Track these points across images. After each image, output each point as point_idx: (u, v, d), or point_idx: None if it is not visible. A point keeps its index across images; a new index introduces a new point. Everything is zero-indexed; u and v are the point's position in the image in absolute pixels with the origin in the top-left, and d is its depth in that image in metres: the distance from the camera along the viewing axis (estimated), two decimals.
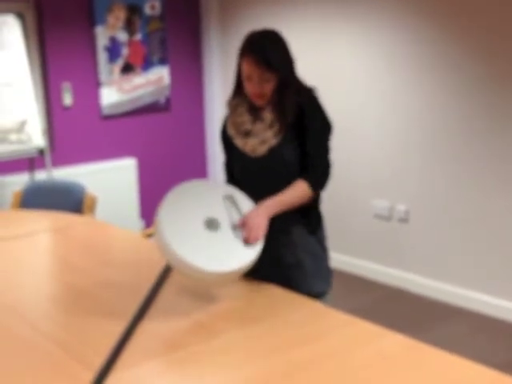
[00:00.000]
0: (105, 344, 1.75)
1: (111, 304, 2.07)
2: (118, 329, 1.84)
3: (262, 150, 2.15)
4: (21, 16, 4.54)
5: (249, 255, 1.96)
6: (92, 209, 3.64)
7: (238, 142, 2.20)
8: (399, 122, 4.18)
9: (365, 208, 4.48)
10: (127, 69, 5.10)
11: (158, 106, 5.31)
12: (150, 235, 3.27)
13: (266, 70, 2.06)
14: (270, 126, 2.13)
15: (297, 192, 2.10)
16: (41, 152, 4.39)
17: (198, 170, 5.66)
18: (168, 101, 5.35)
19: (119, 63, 5.05)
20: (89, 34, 4.88)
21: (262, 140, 2.13)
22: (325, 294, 2.23)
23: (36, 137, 4.33)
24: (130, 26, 5.06)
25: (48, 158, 4.42)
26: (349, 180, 4.54)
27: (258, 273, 2.13)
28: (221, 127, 2.31)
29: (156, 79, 5.27)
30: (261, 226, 2.00)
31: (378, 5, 4.18)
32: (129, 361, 1.67)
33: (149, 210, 5.19)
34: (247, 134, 2.17)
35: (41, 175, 4.51)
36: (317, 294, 2.18)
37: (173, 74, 5.37)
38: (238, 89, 2.20)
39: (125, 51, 5.07)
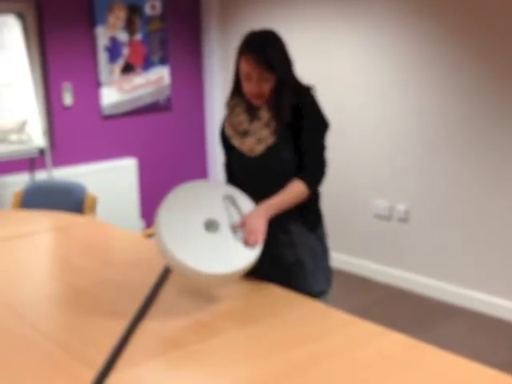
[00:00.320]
0: (105, 343, 1.75)
1: (112, 304, 2.07)
2: (118, 328, 1.84)
3: (259, 149, 2.15)
4: (21, 16, 4.54)
5: (248, 257, 1.96)
6: (92, 209, 3.64)
7: (236, 141, 2.21)
8: (399, 122, 4.18)
9: (365, 208, 4.48)
10: (127, 69, 5.10)
11: (158, 105, 5.31)
12: (150, 235, 3.27)
13: (264, 70, 2.07)
14: (267, 125, 2.13)
15: (294, 192, 2.11)
16: (41, 152, 4.39)
17: (199, 169, 5.66)
18: (168, 101, 5.35)
19: (119, 63, 5.05)
20: (89, 33, 4.88)
21: (258, 139, 2.14)
22: (325, 293, 2.24)
23: (36, 137, 4.33)
24: (130, 26, 5.07)
25: (48, 158, 4.42)
26: (349, 180, 4.54)
27: (258, 272, 2.13)
28: (220, 128, 2.32)
29: (156, 79, 5.27)
30: (260, 228, 2.00)
31: (377, 5, 4.18)
32: (129, 360, 1.68)
33: (149, 210, 5.19)
34: (245, 134, 2.18)
35: (41, 175, 4.51)
36: (317, 293, 2.19)
37: (173, 73, 5.37)
38: (236, 89, 2.21)
39: (125, 51, 5.07)
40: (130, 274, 2.35)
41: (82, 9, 4.83)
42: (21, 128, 4.29)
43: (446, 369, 1.61)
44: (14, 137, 4.27)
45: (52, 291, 2.28)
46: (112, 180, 4.94)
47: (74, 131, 4.91)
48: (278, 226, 2.12)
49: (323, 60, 4.58)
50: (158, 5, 5.19)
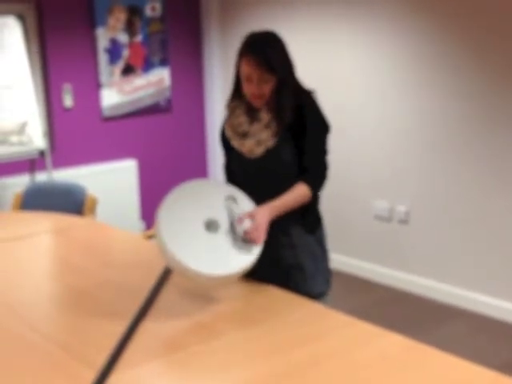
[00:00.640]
0: (106, 344, 1.75)
1: (112, 305, 2.07)
2: (118, 329, 1.84)
3: (258, 151, 2.15)
4: (21, 18, 4.54)
5: (248, 258, 1.96)
6: (92, 210, 3.64)
7: (236, 143, 2.21)
8: (399, 122, 4.19)
9: (365, 209, 4.48)
10: (128, 70, 5.11)
11: (158, 107, 5.31)
12: (150, 236, 3.27)
13: (265, 71, 2.07)
14: (267, 127, 2.13)
15: (298, 194, 2.11)
16: (41, 153, 4.39)
17: (199, 171, 5.66)
18: (168, 102, 5.36)
19: (120, 65, 5.05)
20: (89, 35, 4.88)
21: (258, 141, 2.14)
22: (324, 295, 2.24)
23: (37, 138, 4.34)
24: (130, 28, 5.07)
25: (49, 160, 4.42)
26: (349, 180, 4.54)
27: (258, 274, 2.13)
28: (220, 129, 2.32)
29: (156, 81, 5.27)
30: (264, 227, 2.00)
31: (377, 5, 4.18)
32: (129, 361, 1.68)
33: (149, 212, 5.19)
34: (244, 135, 2.18)
35: (41, 177, 4.51)
36: (316, 295, 2.19)
37: (173, 75, 5.37)
38: (237, 90, 2.21)
39: (125, 53, 5.07)
40: (130, 275, 2.35)
41: (82, 10, 4.83)
42: (21, 129, 4.30)
43: (446, 370, 1.61)
44: (14, 138, 4.28)
45: (52, 292, 2.29)
46: (112, 181, 4.94)
47: (75, 133, 4.91)
48: (278, 227, 2.12)
49: (323, 60, 4.59)
50: (158, 6, 5.19)
